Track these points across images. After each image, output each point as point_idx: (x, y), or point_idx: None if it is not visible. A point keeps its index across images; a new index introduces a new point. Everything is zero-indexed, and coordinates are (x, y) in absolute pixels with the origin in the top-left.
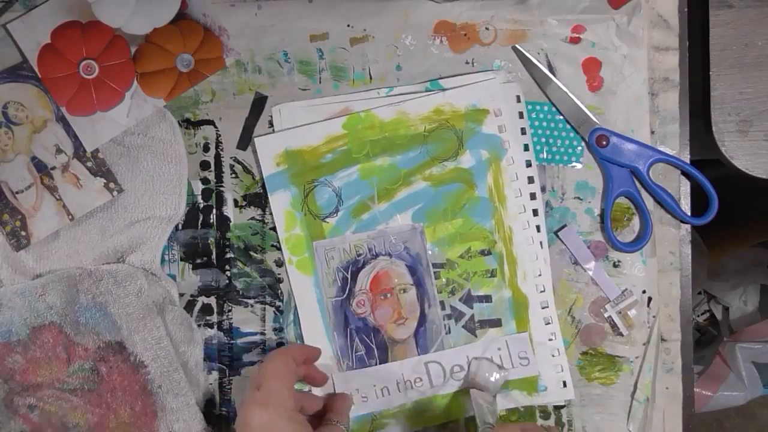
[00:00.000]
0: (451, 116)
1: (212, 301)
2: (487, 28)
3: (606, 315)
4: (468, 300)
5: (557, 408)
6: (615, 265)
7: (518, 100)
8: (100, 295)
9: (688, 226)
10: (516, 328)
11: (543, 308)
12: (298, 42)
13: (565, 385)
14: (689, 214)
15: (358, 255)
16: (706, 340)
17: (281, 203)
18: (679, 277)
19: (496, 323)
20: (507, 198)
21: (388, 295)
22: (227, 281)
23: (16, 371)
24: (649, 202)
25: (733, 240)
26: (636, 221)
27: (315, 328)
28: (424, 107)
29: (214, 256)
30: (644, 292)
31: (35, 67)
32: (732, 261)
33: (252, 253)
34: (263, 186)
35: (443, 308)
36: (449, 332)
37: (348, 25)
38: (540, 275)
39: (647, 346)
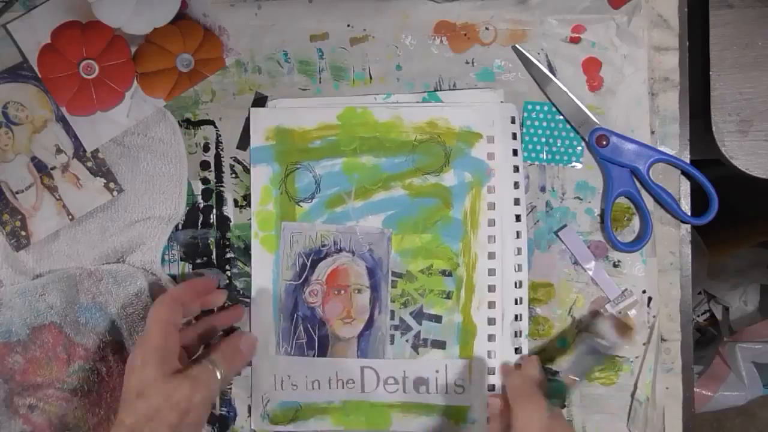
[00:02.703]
0: (444, 132)
1: None
2: (487, 28)
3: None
4: (418, 316)
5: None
6: (615, 265)
7: (512, 121)
8: (100, 295)
9: (688, 226)
10: (459, 355)
11: (490, 341)
12: (298, 42)
13: None
14: (689, 214)
15: (323, 245)
16: (706, 340)
17: (261, 177)
18: (679, 277)
19: (441, 345)
20: (480, 226)
21: (342, 291)
22: (227, 281)
23: (16, 371)
24: (649, 202)
25: (733, 240)
26: (636, 221)
27: (263, 305)
28: (419, 117)
29: (214, 256)
30: (644, 292)
31: (35, 67)
32: (732, 261)
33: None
34: None
35: (392, 318)
36: (393, 343)
37: (348, 25)
38: (494, 308)
39: (647, 346)
